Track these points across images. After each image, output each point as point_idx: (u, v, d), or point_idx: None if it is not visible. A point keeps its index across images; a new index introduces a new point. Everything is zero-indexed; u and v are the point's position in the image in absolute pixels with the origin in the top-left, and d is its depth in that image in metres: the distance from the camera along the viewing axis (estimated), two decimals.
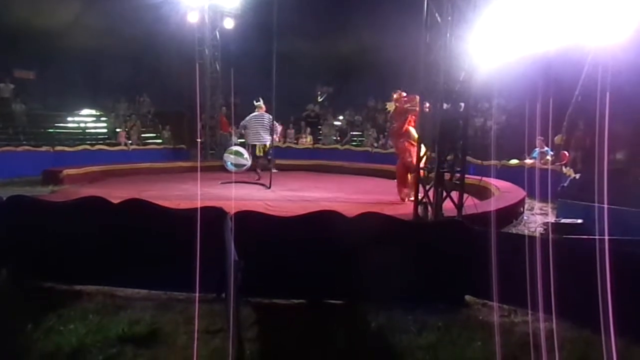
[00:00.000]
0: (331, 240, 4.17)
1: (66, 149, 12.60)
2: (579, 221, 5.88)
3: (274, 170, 10.26)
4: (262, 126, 10.36)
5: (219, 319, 3.64)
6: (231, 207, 4.31)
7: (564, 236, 4.90)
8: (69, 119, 16.09)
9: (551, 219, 6.98)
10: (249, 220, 4.21)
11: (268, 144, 10.44)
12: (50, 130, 15.07)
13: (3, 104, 14.83)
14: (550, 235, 5.01)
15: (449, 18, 5.37)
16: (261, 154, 10.64)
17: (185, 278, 3.82)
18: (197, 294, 3.58)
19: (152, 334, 3.44)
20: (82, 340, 3.24)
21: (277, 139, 10.61)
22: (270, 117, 10.16)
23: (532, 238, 4.01)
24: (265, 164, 10.54)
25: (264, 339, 3.49)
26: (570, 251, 4.03)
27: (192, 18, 13.32)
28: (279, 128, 10.99)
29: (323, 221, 4.23)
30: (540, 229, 6.28)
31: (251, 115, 10.58)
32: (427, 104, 6.04)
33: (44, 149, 12.28)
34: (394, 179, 11.35)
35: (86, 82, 16.79)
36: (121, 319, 3.59)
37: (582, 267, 3.58)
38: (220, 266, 3.78)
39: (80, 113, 16.40)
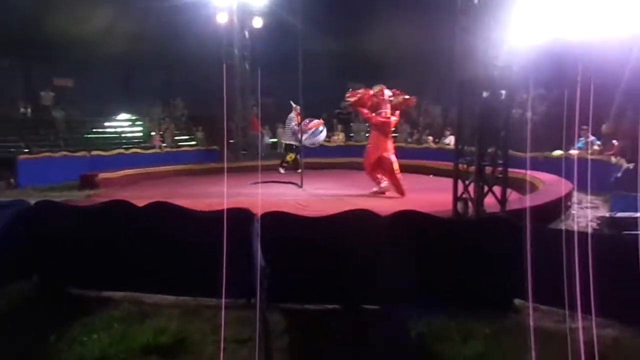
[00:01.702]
0: (365, 241, 3.91)
1: (102, 153, 12.81)
2: (637, 215, 5.36)
3: (298, 170, 10.25)
4: (289, 127, 10.77)
5: (248, 327, 3.44)
6: (261, 207, 4.12)
7: (623, 232, 4.45)
8: (106, 124, 16.47)
9: (604, 212, 6.46)
10: (276, 221, 4.01)
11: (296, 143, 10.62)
12: (88, 135, 15.46)
13: (44, 111, 15.34)
14: (606, 231, 4.58)
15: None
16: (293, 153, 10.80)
17: (214, 283, 3.66)
18: (223, 301, 3.38)
19: (178, 343, 3.29)
20: (105, 350, 3.12)
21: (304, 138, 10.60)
22: (291, 116, 10.69)
23: (586, 234, 3.62)
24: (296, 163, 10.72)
25: (295, 349, 3.27)
26: (630, 249, 3.62)
27: (221, 19, 13.30)
28: (309, 125, 10.82)
29: (356, 221, 3.98)
30: (593, 224, 5.79)
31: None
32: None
33: (81, 154, 12.53)
34: (428, 174, 11.09)
35: (122, 88, 17.24)
36: (146, 328, 3.45)
37: None
38: (249, 271, 3.59)
39: (116, 118, 16.75)
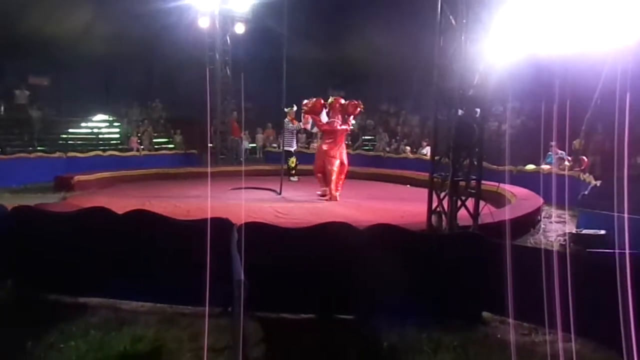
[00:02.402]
0: (341, 252, 4.02)
1: (78, 154, 12.64)
2: (602, 232, 5.62)
3: (292, 179, 11.09)
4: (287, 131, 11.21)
5: (225, 336, 3.51)
6: (240, 216, 4.19)
7: (587, 249, 4.67)
8: (83, 124, 16.18)
9: (571, 228, 6.73)
10: (256, 231, 4.07)
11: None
12: (63, 136, 15.18)
13: (19, 110, 15.00)
14: (571, 248, 4.81)
15: (464, 21, 5.19)
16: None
17: (191, 291, 3.70)
18: (206, 309, 3.44)
19: (156, 351, 3.32)
20: (83, 358, 3.13)
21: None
22: (286, 121, 10.98)
23: (552, 251, 3.80)
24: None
25: (271, 357, 3.35)
26: (593, 266, 3.83)
27: (203, 23, 13.30)
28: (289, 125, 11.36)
29: (332, 233, 4.08)
30: (560, 240, 6.03)
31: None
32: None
33: (57, 155, 12.34)
34: (405, 184, 11.31)
35: (99, 88, 16.94)
36: (124, 335, 3.48)
37: (606, 282, 3.37)
38: (226, 280, 3.65)
39: (93, 119, 16.49)
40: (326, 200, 8.79)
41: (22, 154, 12.00)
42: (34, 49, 14.54)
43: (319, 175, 9.14)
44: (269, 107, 12.11)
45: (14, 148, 12.77)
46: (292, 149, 11.57)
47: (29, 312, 3.84)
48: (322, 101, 9.02)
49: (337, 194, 8.88)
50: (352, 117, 9.15)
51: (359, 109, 9.10)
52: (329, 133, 8.91)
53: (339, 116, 8.83)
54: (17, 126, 14.42)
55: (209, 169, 11.51)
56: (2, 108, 14.83)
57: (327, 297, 4.02)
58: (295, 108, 10.88)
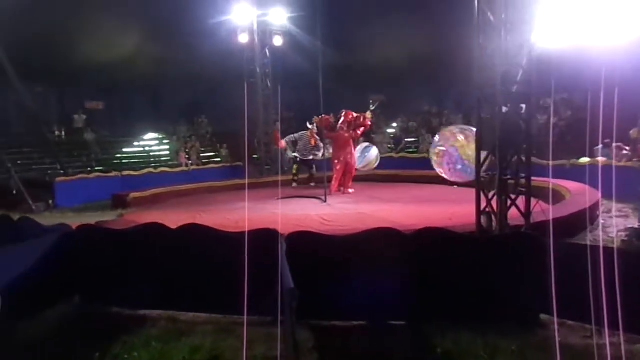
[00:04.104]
0: (390, 258, 4.01)
1: (132, 173, 13.28)
2: None
3: (311, 184, 11.82)
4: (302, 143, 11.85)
5: (277, 344, 3.58)
6: (287, 225, 4.27)
7: None
8: (135, 143, 17.01)
9: (634, 221, 6.37)
10: (303, 240, 4.14)
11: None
12: (118, 155, 16.02)
13: (77, 133, 15.99)
14: (634, 244, 4.55)
15: (503, 16, 5.06)
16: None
17: (243, 301, 3.81)
18: (244, 319, 3.52)
19: None
20: None
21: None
22: (304, 135, 11.67)
23: (611, 250, 3.62)
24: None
25: None
26: None
27: (243, 39, 13.69)
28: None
29: (380, 239, 4.08)
30: (622, 235, 5.72)
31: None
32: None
33: (113, 174, 13.02)
34: (452, 185, 11.07)
35: (149, 108, 17.77)
36: (183, 345, 3.62)
37: None
38: (277, 289, 3.73)
39: (144, 137, 17.29)
40: (410, 209, 8.62)
41: (82, 175, 12.77)
42: (89, 75, 15.49)
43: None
44: (309, 116, 12.25)
45: (75, 170, 13.62)
46: (309, 158, 11.94)
47: (94, 326, 4.07)
48: (330, 117, 10.71)
49: (351, 190, 10.49)
50: (362, 128, 10.75)
51: (368, 121, 10.71)
52: (334, 140, 10.75)
53: (346, 127, 10.45)
54: (76, 149, 15.36)
55: (246, 181, 11.81)
56: (63, 132, 15.85)
57: (378, 303, 4.01)
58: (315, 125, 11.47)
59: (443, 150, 7.86)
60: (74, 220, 6.95)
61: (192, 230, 4.45)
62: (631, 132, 10.34)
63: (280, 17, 13.89)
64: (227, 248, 4.26)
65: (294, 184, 12.08)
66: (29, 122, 15.12)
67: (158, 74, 16.17)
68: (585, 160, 10.09)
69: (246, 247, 3.76)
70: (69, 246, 4.61)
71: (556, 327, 3.43)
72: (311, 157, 11.97)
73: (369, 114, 10.89)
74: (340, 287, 4.03)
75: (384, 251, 4.02)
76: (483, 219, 5.52)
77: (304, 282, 3.56)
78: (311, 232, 4.42)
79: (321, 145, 11.52)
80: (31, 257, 4.28)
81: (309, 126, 11.50)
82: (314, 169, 12.32)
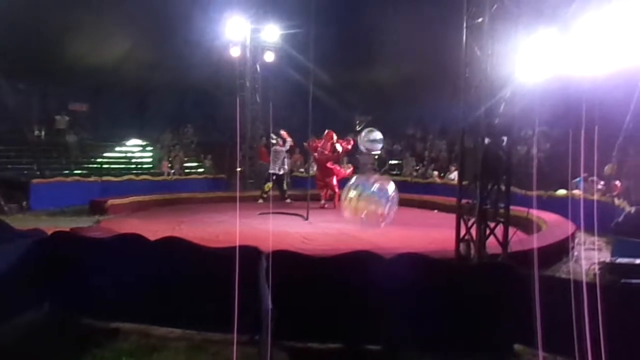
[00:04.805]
0: (367, 282, 4.03)
1: (112, 179, 13.06)
2: (638, 261, 5.43)
3: (287, 201, 12.00)
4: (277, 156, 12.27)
5: None
6: (267, 242, 4.26)
7: (622, 280, 4.53)
8: (117, 149, 16.76)
9: (605, 256, 6.52)
10: (284, 260, 4.12)
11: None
12: (99, 160, 15.74)
13: (58, 135, 15.68)
14: (605, 278, 4.67)
15: (489, 52, 5.22)
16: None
17: (220, 318, 3.77)
18: (219, 336, 3.48)
19: None
20: None
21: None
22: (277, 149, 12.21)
23: (585, 282, 3.71)
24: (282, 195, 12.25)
25: None
26: (628, 297, 3.73)
27: (235, 52, 13.76)
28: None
29: (358, 262, 4.10)
30: (594, 269, 5.85)
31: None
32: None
33: (92, 179, 12.79)
34: (433, 209, 11.22)
35: (134, 114, 17.56)
36: None
37: None
38: (254, 307, 3.70)
39: (127, 143, 17.06)
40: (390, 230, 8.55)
41: (59, 178, 12.45)
42: (74, 76, 15.27)
43: (320, 189, 11.63)
44: (296, 133, 12.33)
45: (52, 172, 13.30)
46: (275, 172, 12.27)
47: (63, 336, 3.97)
48: (316, 140, 11.52)
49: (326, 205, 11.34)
50: (342, 149, 11.53)
51: (348, 144, 11.59)
52: (317, 159, 11.63)
53: (327, 146, 11.30)
54: (55, 150, 15.06)
55: (237, 194, 11.70)
56: (43, 132, 15.53)
57: (355, 326, 4.01)
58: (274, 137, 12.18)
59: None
60: (48, 225, 6.79)
61: (171, 243, 4.40)
62: (606, 167, 10.62)
63: (274, 34, 14.03)
64: (206, 263, 4.23)
65: (260, 200, 12.02)
66: (8, 119, 14.70)
67: (146, 79, 16.04)
68: (562, 192, 10.34)
69: (227, 264, 3.74)
70: (42, 252, 4.51)
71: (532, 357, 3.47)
72: (282, 172, 12.31)
73: (351, 137, 11.78)
74: (317, 308, 4.02)
75: (362, 274, 4.04)
76: (462, 247, 5.60)
77: (281, 301, 3.55)
78: (291, 251, 4.42)
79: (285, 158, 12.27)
80: (0, 260, 4.16)
81: (273, 140, 12.15)
82: (285, 185, 12.56)
